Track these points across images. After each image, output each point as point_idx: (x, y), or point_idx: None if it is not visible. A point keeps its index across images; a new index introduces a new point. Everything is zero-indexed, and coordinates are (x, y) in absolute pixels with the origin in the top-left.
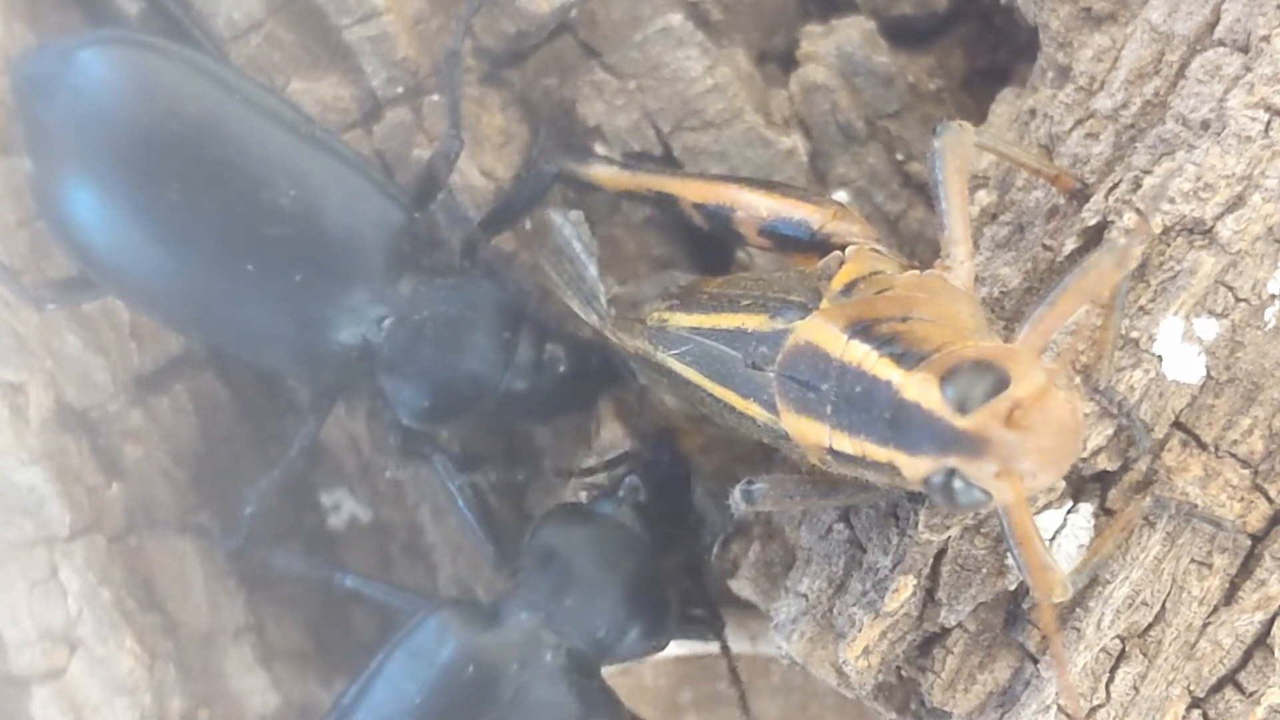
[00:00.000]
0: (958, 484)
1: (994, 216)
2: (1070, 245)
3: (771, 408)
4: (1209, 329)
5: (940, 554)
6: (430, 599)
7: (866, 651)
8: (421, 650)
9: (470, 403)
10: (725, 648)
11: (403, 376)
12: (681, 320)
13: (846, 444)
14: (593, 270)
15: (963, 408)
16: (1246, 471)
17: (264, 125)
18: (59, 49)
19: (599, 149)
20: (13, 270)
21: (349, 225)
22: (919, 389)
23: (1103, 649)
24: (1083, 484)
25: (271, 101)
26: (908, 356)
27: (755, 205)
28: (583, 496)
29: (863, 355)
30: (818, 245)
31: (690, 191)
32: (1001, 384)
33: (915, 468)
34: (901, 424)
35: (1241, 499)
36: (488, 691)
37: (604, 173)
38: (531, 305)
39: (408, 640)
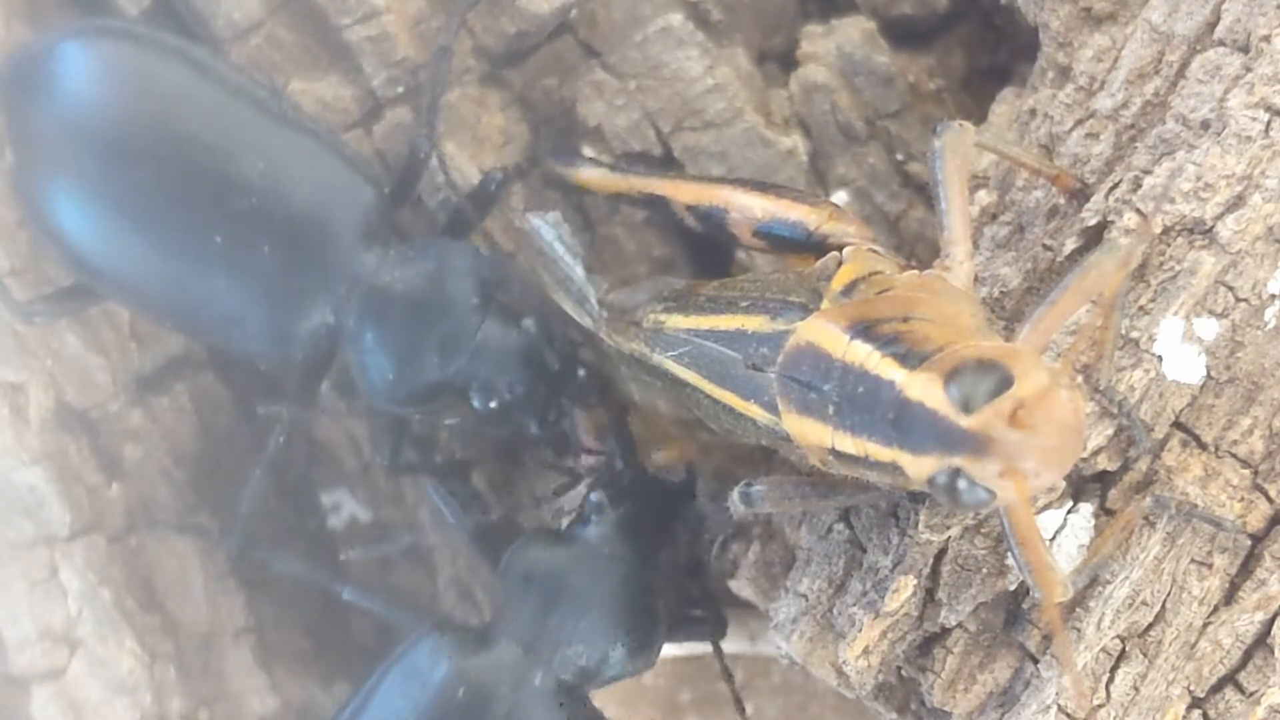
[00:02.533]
0: (962, 483)
1: (994, 216)
2: (1070, 245)
3: (772, 409)
4: (1209, 329)
5: (940, 554)
6: (426, 616)
7: (866, 651)
8: (415, 671)
9: (438, 373)
10: (717, 648)
11: (369, 350)
12: (679, 322)
13: (849, 444)
14: (579, 271)
15: (967, 407)
16: (1246, 471)
17: (242, 110)
18: (41, 44)
19: (587, 151)
20: (2, 282)
21: (321, 202)
22: (923, 389)
23: (1103, 649)
24: (1083, 484)
25: (254, 88)
26: (910, 356)
27: (749, 207)
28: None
29: (865, 355)
30: (814, 246)
31: (682, 193)
32: (1005, 383)
33: (919, 467)
34: (905, 424)
35: (1241, 499)
36: (480, 713)
37: (593, 175)
38: (503, 277)
39: (401, 661)
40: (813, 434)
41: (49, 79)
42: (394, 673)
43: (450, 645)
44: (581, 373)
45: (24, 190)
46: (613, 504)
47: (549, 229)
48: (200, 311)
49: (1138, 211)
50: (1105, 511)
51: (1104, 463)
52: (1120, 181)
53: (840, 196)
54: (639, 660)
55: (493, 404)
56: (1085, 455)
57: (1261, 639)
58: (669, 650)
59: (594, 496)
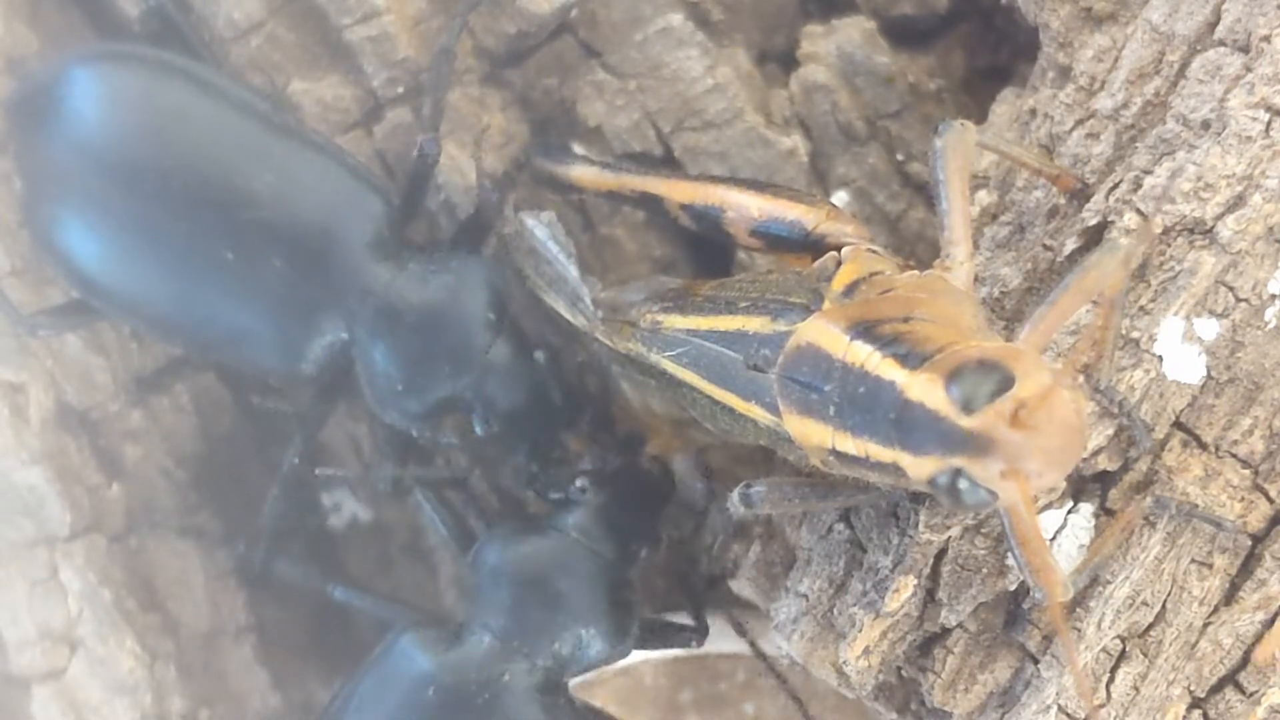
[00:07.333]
0: (963, 484)
1: (994, 216)
2: (1070, 245)
3: (774, 410)
4: (1209, 329)
5: (941, 554)
6: (417, 612)
7: (867, 651)
8: (393, 669)
9: (448, 387)
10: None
11: (378, 361)
12: (677, 322)
13: (850, 445)
14: (573, 271)
15: (968, 408)
16: (1247, 471)
17: (249, 127)
18: (47, 72)
19: (577, 148)
20: (6, 295)
21: (330, 216)
22: (924, 389)
23: (1103, 649)
24: (1083, 484)
25: (260, 105)
26: (911, 357)
27: (746, 206)
28: None
29: (866, 356)
30: (812, 245)
31: (676, 192)
32: (1006, 384)
33: (920, 468)
34: (906, 425)
35: (1242, 499)
36: (458, 708)
37: (584, 173)
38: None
39: (380, 660)
40: (814, 435)
41: (57, 106)
42: (373, 672)
43: (426, 641)
44: (586, 410)
45: (34, 219)
46: (596, 493)
47: (542, 228)
48: (214, 330)
49: (1138, 211)
50: (1105, 511)
51: (1104, 463)
52: (1120, 181)
53: (840, 196)
54: (615, 649)
55: (495, 427)
56: (1085, 455)
57: (1262, 639)
58: (669, 650)
59: (578, 483)
